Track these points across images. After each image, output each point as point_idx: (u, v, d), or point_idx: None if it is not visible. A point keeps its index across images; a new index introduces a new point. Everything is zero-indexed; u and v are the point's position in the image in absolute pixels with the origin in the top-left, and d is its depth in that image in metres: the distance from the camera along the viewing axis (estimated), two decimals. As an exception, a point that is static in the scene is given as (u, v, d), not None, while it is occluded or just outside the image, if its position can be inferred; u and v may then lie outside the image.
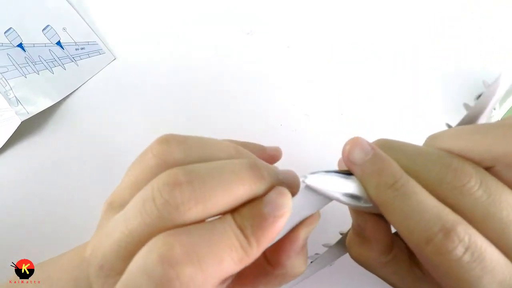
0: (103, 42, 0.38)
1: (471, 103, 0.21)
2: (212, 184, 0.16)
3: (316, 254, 0.24)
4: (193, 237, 0.15)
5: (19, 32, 0.38)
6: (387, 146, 0.19)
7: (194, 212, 0.15)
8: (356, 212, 0.20)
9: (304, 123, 0.35)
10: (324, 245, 0.24)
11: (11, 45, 0.37)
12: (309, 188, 0.18)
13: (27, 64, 0.37)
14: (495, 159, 0.17)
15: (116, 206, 0.18)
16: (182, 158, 0.17)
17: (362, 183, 0.18)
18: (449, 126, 0.22)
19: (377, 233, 0.19)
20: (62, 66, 0.38)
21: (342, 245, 0.24)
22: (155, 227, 0.15)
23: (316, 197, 0.19)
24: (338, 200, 0.19)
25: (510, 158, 0.16)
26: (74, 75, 0.37)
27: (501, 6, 0.36)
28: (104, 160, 0.35)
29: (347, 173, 0.19)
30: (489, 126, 0.18)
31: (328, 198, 0.19)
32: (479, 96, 0.21)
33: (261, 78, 0.37)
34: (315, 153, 0.34)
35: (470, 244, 0.16)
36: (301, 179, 0.19)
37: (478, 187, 0.16)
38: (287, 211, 0.16)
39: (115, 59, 0.38)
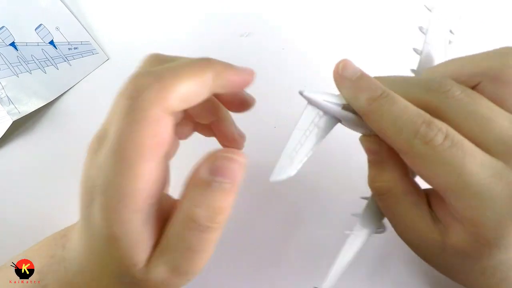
0: (96, 42, 0.38)
1: None
2: None
3: (349, 231, 0.23)
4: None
5: (11, 30, 0.37)
6: (378, 78, 0.21)
7: None
8: (368, 140, 0.22)
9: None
10: (354, 215, 0.23)
11: (3, 43, 0.37)
12: (310, 104, 0.21)
13: (20, 63, 0.37)
14: (482, 73, 0.20)
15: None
16: None
17: (353, 97, 0.20)
18: (416, 50, 0.24)
19: (394, 151, 0.20)
20: (55, 66, 0.37)
21: (372, 209, 0.23)
22: None
23: (319, 116, 0.21)
24: (337, 115, 0.21)
25: (494, 71, 0.20)
26: (66, 75, 0.37)
27: (501, 6, 0.36)
28: (96, 161, 0.35)
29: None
30: (477, 53, 0.21)
31: (331, 118, 0.21)
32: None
33: (256, 80, 0.36)
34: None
35: (448, 132, 0.18)
36: (299, 92, 0.21)
37: (460, 92, 0.19)
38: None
39: (108, 59, 0.37)
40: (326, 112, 0.21)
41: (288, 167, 0.20)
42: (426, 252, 0.21)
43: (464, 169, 0.18)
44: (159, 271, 0.19)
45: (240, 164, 0.19)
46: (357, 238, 0.22)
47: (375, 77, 0.22)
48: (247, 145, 0.35)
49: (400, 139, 0.19)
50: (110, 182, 0.17)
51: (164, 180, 0.19)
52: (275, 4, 0.38)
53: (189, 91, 0.18)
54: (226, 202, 0.19)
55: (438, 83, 0.20)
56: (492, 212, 0.18)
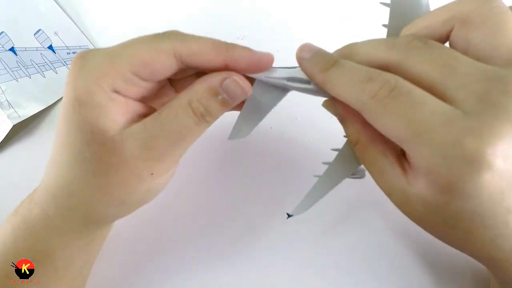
0: (94, 47, 0.38)
1: None
2: None
3: (316, 176, 0.25)
4: None
5: (11, 36, 0.38)
6: (353, 44, 0.23)
7: None
8: (326, 105, 0.24)
9: (293, 126, 0.35)
10: (324, 163, 0.25)
11: (3, 49, 0.37)
12: (259, 81, 0.24)
13: (19, 68, 0.37)
14: (453, 17, 0.21)
15: None
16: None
17: (311, 73, 0.22)
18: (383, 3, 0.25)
19: (348, 107, 0.21)
20: (54, 70, 0.38)
21: (343, 161, 0.25)
22: None
23: (271, 90, 0.24)
24: (287, 86, 0.24)
25: (463, 14, 0.20)
26: (65, 79, 0.37)
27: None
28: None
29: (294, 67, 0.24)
30: (450, 2, 0.22)
31: (281, 89, 0.24)
32: None
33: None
34: (302, 158, 0.34)
35: (397, 83, 0.19)
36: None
37: (422, 43, 0.20)
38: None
39: (106, 63, 0.38)
40: (273, 85, 0.24)
41: (243, 130, 0.25)
42: (397, 201, 0.22)
43: (413, 118, 0.18)
44: (133, 144, 0.21)
45: (244, 92, 0.23)
46: (335, 172, 0.25)
47: (352, 44, 0.23)
48: (243, 147, 0.35)
49: (353, 99, 0.20)
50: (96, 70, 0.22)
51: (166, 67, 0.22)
52: (270, 7, 0.39)
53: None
54: (218, 111, 0.23)
55: (400, 38, 0.21)
56: (443, 159, 0.18)
